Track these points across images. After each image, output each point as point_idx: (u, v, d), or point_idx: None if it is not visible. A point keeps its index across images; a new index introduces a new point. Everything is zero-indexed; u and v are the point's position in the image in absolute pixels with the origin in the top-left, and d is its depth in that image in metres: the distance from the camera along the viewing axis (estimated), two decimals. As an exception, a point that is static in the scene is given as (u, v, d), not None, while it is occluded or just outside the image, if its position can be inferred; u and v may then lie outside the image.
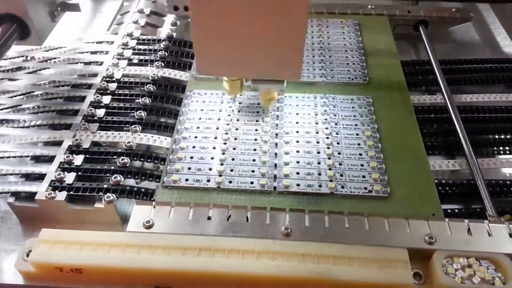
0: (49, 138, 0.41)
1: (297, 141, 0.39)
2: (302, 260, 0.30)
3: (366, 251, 0.30)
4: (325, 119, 0.41)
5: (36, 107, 0.45)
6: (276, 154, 0.38)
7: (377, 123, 0.41)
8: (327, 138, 0.39)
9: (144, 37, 0.52)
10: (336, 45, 0.50)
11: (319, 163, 0.37)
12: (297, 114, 0.42)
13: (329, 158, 0.38)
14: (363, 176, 0.36)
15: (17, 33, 0.42)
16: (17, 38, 0.42)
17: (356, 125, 0.41)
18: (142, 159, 0.39)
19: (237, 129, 0.40)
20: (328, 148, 0.39)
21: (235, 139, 0.40)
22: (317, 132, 0.40)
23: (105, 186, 0.35)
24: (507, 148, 0.42)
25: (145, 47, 0.50)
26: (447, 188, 0.38)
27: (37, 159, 0.40)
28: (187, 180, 0.36)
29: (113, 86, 0.45)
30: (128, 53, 0.49)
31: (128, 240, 0.31)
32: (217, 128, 0.41)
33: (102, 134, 0.40)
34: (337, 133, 0.40)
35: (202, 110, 0.42)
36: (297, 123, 0.41)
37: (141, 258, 0.30)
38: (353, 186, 0.36)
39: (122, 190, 0.35)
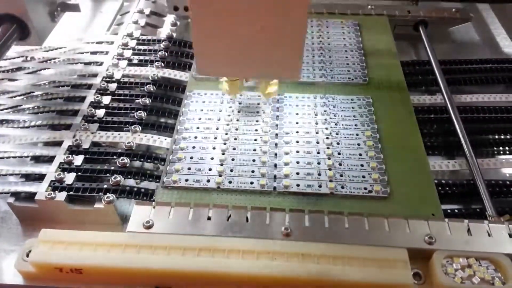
0: (49, 139, 0.41)
1: (297, 141, 0.39)
2: (302, 260, 0.30)
3: (366, 251, 0.30)
4: (325, 119, 0.41)
5: (36, 107, 0.45)
6: (276, 154, 0.38)
7: (377, 123, 0.41)
8: (327, 138, 0.40)
9: (144, 37, 0.52)
10: (336, 45, 0.50)
11: (319, 163, 0.37)
12: (297, 114, 0.42)
13: (329, 158, 0.38)
14: (363, 176, 0.36)
15: (17, 33, 0.42)
16: (16, 38, 0.42)
17: (356, 125, 0.41)
18: (142, 160, 0.39)
19: (237, 129, 0.40)
20: (328, 148, 0.39)
21: (235, 139, 0.40)
22: (317, 132, 0.40)
23: (105, 186, 0.35)
24: (507, 148, 0.42)
25: (145, 47, 0.50)
26: (447, 188, 0.38)
27: (37, 159, 0.40)
28: (187, 180, 0.36)
29: (113, 86, 0.45)
30: (128, 53, 0.49)
31: (128, 240, 0.31)
32: (217, 129, 0.41)
33: (102, 135, 0.40)
34: (337, 133, 0.40)
35: (202, 110, 0.42)
36: (297, 123, 0.41)
37: (141, 258, 0.30)
38: (353, 186, 0.36)
39: (122, 190, 0.35)
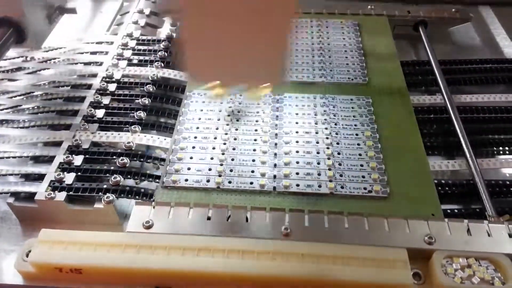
0: (48, 139, 0.41)
1: (297, 141, 0.39)
2: (302, 260, 0.30)
3: (366, 251, 0.30)
4: (325, 119, 0.41)
5: (35, 107, 0.45)
6: (275, 154, 0.38)
7: (377, 124, 0.41)
8: (327, 138, 0.40)
9: (144, 37, 0.52)
10: (336, 45, 0.50)
11: (318, 163, 0.37)
12: (297, 114, 0.42)
13: (328, 159, 0.38)
14: (363, 176, 0.36)
15: (14, 37, 0.42)
16: (13, 42, 0.42)
17: (355, 125, 0.41)
18: (141, 160, 0.39)
19: (236, 129, 0.40)
20: (327, 148, 0.39)
21: (235, 139, 0.40)
22: (316, 132, 0.40)
23: (105, 186, 0.35)
24: (506, 148, 0.42)
25: (145, 47, 0.50)
26: (447, 188, 0.38)
27: (36, 159, 0.40)
28: (186, 180, 0.36)
29: (112, 86, 0.45)
30: (128, 53, 0.49)
31: (128, 240, 0.31)
32: (217, 129, 0.41)
33: (101, 135, 0.40)
34: (336, 133, 0.40)
35: (201, 110, 0.42)
36: (296, 123, 0.41)
37: (140, 258, 0.30)
38: (353, 186, 0.36)
39: (121, 191, 0.35)
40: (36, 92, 0.47)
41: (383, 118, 0.42)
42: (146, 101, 0.43)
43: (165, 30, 0.55)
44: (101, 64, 0.48)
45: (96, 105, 0.43)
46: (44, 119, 0.43)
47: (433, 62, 0.48)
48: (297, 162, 0.38)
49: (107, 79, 0.46)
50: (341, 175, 0.36)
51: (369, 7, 0.56)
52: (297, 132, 0.40)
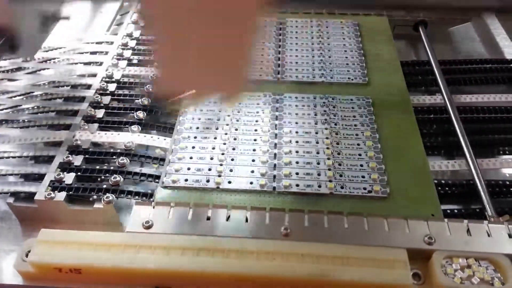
0: (48, 139, 0.41)
1: (297, 142, 0.39)
2: (302, 260, 0.30)
3: (365, 251, 0.30)
4: (325, 119, 0.41)
5: (35, 107, 0.45)
6: (275, 154, 0.38)
7: (377, 124, 0.41)
8: (327, 138, 0.39)
9: (143, 37, 0.52)
10: (336, 45, 0.50)
11: (318, 163, 0.37)
12: (297, 114, 0.42)
13: (328, 159, 0.38)
14: (363, 177, 0.36)
15: (7, 46, 0.42)
16: (6, 51, 0.42)
17: (355, 125, 0.41)
18: (141, 160, 0.39)
19: (236, 129, 0.40)
20: (327, 148, 0.39)
21: (235, 139, 0.40)
22: (316, 133, 0.40)
23: (105, 186, 0.35)
24: (506, 148, 0.42)
25: (145, 47, 0.50)
26: (447, 188, 0.38)
27: (36, 159, 0.40)
28: (186, 180, 0.36)
29: (112, 86, 0.45)
30: (127, 53, 0.49)
31: (127, 240, 0.31)
32: (217, 129, 0.41)
33: (101, 135, 0.40)
34: (336, 134, 0.40)
35: (201, 110, 0.42)
36: (296, 123, 0.41)
37: (140, 258, 0.30)
38: (353, 187, 0.36)
39: (121, 191, 0.35)
40: (35, 92, 0.47)
41: (383, 118, 0.42)
42: (146, 101, 0.43)
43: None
44: (101, 64, 0.48)
45: (96, 105, 0.43)
46: (44, 119, 0.43)
47: (433, 62, 0.48)
48: (297, 162, 0.38)
49: (107, 79, 0.46)
50: (341, 175, 0.36)
51: (369, 7, 0.56)
52: (297, 132, 0.40)
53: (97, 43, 0.52)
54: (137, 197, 0.36)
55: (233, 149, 0.39)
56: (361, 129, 0.40)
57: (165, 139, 0.40)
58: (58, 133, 0.41)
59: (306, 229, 0.32)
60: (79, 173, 0.37)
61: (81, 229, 0.32)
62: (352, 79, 0.46)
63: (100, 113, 0.42)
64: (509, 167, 0.40)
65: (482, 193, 0.36)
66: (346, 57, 0.49)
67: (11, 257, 0.33)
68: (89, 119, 0.42)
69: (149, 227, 0.32)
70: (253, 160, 0.38)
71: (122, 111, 0.43)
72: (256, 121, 0.41)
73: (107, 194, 0.34)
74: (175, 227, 0.32)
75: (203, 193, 0.36)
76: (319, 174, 0.37)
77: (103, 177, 0.37)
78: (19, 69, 0.49)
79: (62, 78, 0.47)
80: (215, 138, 0.40)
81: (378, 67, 0.48)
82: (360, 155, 0.38)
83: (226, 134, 0.40)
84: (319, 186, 0.36)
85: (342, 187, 0.36)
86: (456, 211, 0.36)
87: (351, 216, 0.33)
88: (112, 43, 0.51)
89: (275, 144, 0.39)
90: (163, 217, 0.33)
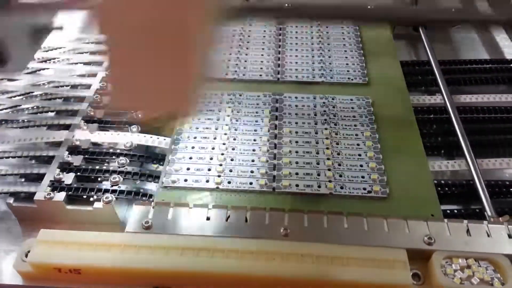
0: (48, 139, 0.41)
1: (296, 142, 0.39)
2: (301, 261, 0.30)
3: (365, 251, 0.30)
4: (325, 120, 0.41)
5: (35, 107, 0.45)
6: (275, 154, 0.38)
7: (377, 124, 0.41)
8: (326, 138, 0.39)
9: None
10: (336, 45, 0.50)
11: (318, 163, 0.37)
12: (296, 114, 0.42)
13: (328, 159, 0.38)
14: (362, 177, 0.36)
15: None
16: None
17: (355, 125, 0.41)
18: (141, 160, 0.39)
19: (236, 129, 0.40)
20: (327, 148, 0.39)
21: (234, 139, 0.39)
22: (316, 133, 0.40)
23: (104, 186, 0.35)
24: (506, 148, 0.42)
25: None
26: (446, 188, 0.37)
27: (36, 159, 0.40)
28: (186, 180, 0.36)
29: (112, 86, 0.45)
30: (127, 53, 0.49)
31: (127, 240, 0.31)
32: (216, 129, 0.41)
33: (101, 135, 0.40)
34: (336, 134, 0.40)
35: (201, 110, 0.42)
36: (296, 123, 0.41)
37: (140, 258, 0.30)
38: (352, 187, 0.36)
39: (121, 191, 0.35)
40: (35, 92, 0.47)
41: (382, 118, 0.42)
42: (146, 101, 0.43)
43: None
44: (101, 64, 0.48)
45: (95, 105, 0.43)
46: (43, 119, 0.43)
47: (433, 62, 0.48)
48: (297, 163, 0.37)
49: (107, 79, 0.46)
50: (340, 176, 0.36)
51: (368, 7, 0.55)
52: (296, 133, 0.40)
53: (97, 43, 0.51)
54: (136, 197, 0.36)
55: (233, 149, 0.39)
56: (361, 129, 0.40)
57: (164, 139, 0.40)
58: (57, 133, 0.41)
59: (305, 229, 0.32)
60: (78, 173, 0.37)
61: (80, 229, 0.31)
62: (352, 79, 0.46)
63: (100, 113, 0.42)
64: (509, 167, 0.40)
65: (482, 193, 0.36)
66: (346, 57, 0.49)
67: (10, 257, 0.33)
68: (89, 119, 0.42)
69: (148, 227, 0.32)
70: (253, 160, 0.38)
71: (122, 111, 0.43)
72: (256, 121, 0.41)
73: (107, 194, 0.34)
74: (175, 227, 0.32)
75: (202, 193, 0.36)
76: (318, 174, 0.37)
77: (102, 177, 0.37)
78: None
79: (62, 78, 0.47)
80: (215, 138, 0.40)
81: (378, 67, 0.48)
82: (360, 155, 0.38)
83: (225, 134, 0.40)
84: (319, 186, 0.36)
85: (341, 188, 0.36)
86: (456, 211, 0.36)
87: (351, 216, 0.33)
88: (112, 43, 0.51)
89: (275, 144, 0.39)
90: (162, 217, 0.33)
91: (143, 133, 0.41)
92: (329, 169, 0.37)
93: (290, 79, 0.46)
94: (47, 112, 0.44)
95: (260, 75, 0.46)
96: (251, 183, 0.36)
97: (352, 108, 0.43)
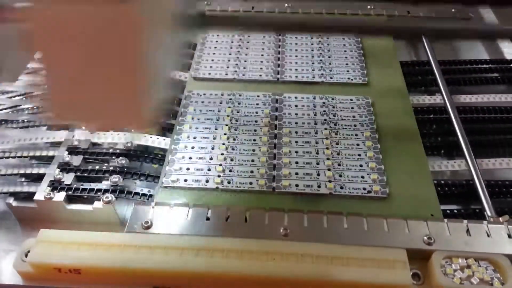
0: (48, 139, 0.41)
1: (296, 142, 0.39)
2: (301, 261, 0.30)
3: (365, 251, 0.30)
4: (324, 120, 0.41)
5: (35, 107, 0.45)
6: (275, 154, 0.38)
7: (376, 124, 0.41)
8: (326, 138, 0.39)
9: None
10: (336, 45, 0.50)
11: (318, 163, 0.37)
12: (296, 114, 0.42)
13: (328, 159, 0.38)
14: (362, 177, 0.36)
15: None
16: None
17: (355, 125, 0.41)
18: (141, 160, 0.39)
19: (236, 129, 0.40)
20: (327, 148, 0.39)
21: (234, 139, 0.39)
22: (316, 133, 0.40)
23: (104, 186, 0.35)
24: (506, 148, 0.42)
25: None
26: (446, 188, 0.37)
27: (36, 159, 0.40)
28: (186, 180, 0.36)
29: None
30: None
31: (127, 240, 0.31)
32: (216, 129, 0.41)
33: (100, 135, 0.40)
34: (336, 134, 0.40)
35: (201, 111, 0.42)
36: (296, 123, 0.41)
37: (139, 258, 0.30)
38: (352, 187, 0.36)
39: (121, 191, 0.35)
40: (35, 92, 0.47)
41: (382, 119, 0.42)
42: (146, 101, 0.43)
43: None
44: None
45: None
46: (43, 119, 0.43)
47: (432, 62, 0.48)
48: (297, 163, 0.37)
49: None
50: (340, 176, 0.36)
51: (368, 7, 0.55)
52: (296, 132, 0.40)
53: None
54: (136, 197, 0.36)
55: (233, 149, 0.39)
56: (360, 129, 0.40)
57: (164, 139, 0.40)
58: (57, 133, 0.41)
59: (305, 229, 0.32)
60: (78, 173, 0.37)
61: (80, 229, 0.31)
62: (352, 79, 0.46)
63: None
64: (509, 167, 0.40)
65: (481, 193, 0.36)
66: (346, 57, 0.49)
67: (10, 257, 0.33)
68: (89, 119, 0.42)
69: (148, 227, 0.32)
70: (253, 160, 0.38)
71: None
72: (256, 121, 0.41)
73: (107, 194, 0.34)
74: (175, 227, 0.32)
75: (202, 193, 0.36)
76: (318, 174, 0.37)
77: (102, 177, 0.37)
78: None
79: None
80: (215, 138, 0.40)
81: (378, 67, 0.48)
82: (359, 155, 0.38)
83: (225, 134, 0.40)
84: (319, 186, 0.36)
85: (341, 187, 0.36)
86: (455, 211, 0.36)
87: (351, 216, 0.33)
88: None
89: (275, 144, 0.39)
90: (162, 217, 0.33)
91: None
92: (329, 169, 0.37)
93: (290, 79, 0.46)
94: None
95: (260, 75, 0.46)
96: (251, 183, 0.36)
97: (352, 108, 0.43)
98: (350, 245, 0.31)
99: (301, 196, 0.35)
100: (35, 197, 0.34)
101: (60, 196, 0.34)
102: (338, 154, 0.38)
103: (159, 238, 0.31)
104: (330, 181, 0.36)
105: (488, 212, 0.35)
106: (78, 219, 0.35)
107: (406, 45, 0.56)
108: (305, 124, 0.41)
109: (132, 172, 0.37)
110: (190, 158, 0.38)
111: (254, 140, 0.39)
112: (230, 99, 0.43)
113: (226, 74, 0.46)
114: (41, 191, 0.35)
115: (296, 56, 0.49)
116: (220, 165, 0.37)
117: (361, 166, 0.37)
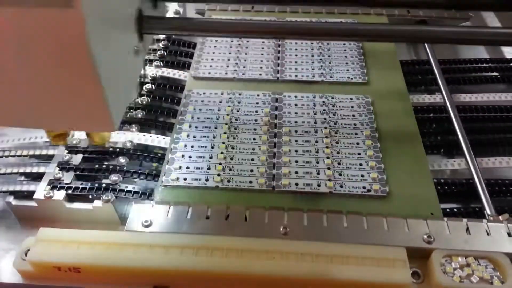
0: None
1: (296, 141, 0.39)
2: (301, 259, 0.30)
3: (365, 250, 0.30)
4: (324, 119, 0.41)
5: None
6: (274, 153, 0.38)
7: (376, 123, 0.41)
8: (326, 137, 0.39)
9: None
10: (335, 44, 0.50)
11: (317, 162, 0.37)
12: (296, 113, 0.42)
13: (327, 158, 0.38)
14: (362, 176, 0.36)
15: None
16: None
17: (355, 124, 0.41)
18: (140, 159, 0.39)
19: (235, 128, 0.40)
20: (327, 147, 0.39)
21: (234, 138, 0.39)
22: (316, 132, 0.40)
23: (104, 185, 0.35)
24: (506, 147, 0.42)
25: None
26: (446, 187, 0.38)
27: (35, 158, 0.40)
28: (185, 179, 0.36)
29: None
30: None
31: (127, 239, 0.31)
32: (216, 128, 0.41)
33: (101, 134, 0.40)
34: (336, 133, 0.40)
35: (200, 110, 0.42)
36: (296, 122, 0.41)
37: (139, 257, 0.30)
38: (352, 186, 0.36)
39: (120, 189, 0.35)
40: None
41: (382, 118, 0.42)
42: (145, 100, 0.43)
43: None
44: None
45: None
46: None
47: (432, 62, 0.48)
48: (296, 161, 0.37)
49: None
50: (340, 174, 0.36)
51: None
52: (296, 132, 0.40)
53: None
54: (136, 196, 0.36)
55: (232, 148, 0.39)
56: (360, 128, 0.40)
57: (164, 138, 0.40)
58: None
59: (305, 228, 0.32)
60: (78, 172, 0.37)
61: (80, 228, 0.31)
62: (352, 79, 0.46)
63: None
64: (509, 167, 0.40)
65: (481, 192, 0.36)
66: (346, 56, 0.49)
67: (10, 255, 0.33)
68: (89, 118, 0.42)
69: (148, 226, 0.32)
70: (252, 159, 0.38)
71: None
72: (255, 120, 0.41)
73: (106, 193, 0.34)
74: (174, 226, 0.32)
75: (202, 192, 0.36)
76: (318, 173, 0.37)
77: (102, 176, 0.37)
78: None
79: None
80: (214, 137, 0.40)
81: (378, 67, 0.48)
82: (359, 154, 0.38)
83: (225, 133, 0.40)
84: (318, 185, 0.36)
85: (341, 186, 0.36)
86: (455, 210, 0.37)
87: (351, 215, 0.33)
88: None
89: (275, 143, 0.39)
90: (162, 216, 0.33)
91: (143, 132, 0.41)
92: (328, 168, 0.37)
93: (290, 78, 0.46)
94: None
95: (260, 74, 0.46)
96: (250, 182, 0.36)
97: (352, 107, 0.43)
98: (350, 243, 0.31)
99: (300, 195, 0.35)
100: (35, 196, 0.34)
101: (59, 195, 0.34)
102: (338, 153, 0.38)
103: (159, 237, 0.31)
104: (330, 180, 0.36)
105: (488, 210, 0.35)
106: (77, 218, 0.35)
107: (406, 45, 0.56)
108: (305, 123, 0.41)
109: (132, 171, 0.37)
110: (190, 157, 0.38)
111: (254, 139, 0.39)
112: (230, 98, 0.43)
113: (226, 73, 0.46)
114: (41, 190, 0.35)
115: (296, 55, 0.49)
116: (220, 164, 0.37)
117: (361, 165, 0.37)
